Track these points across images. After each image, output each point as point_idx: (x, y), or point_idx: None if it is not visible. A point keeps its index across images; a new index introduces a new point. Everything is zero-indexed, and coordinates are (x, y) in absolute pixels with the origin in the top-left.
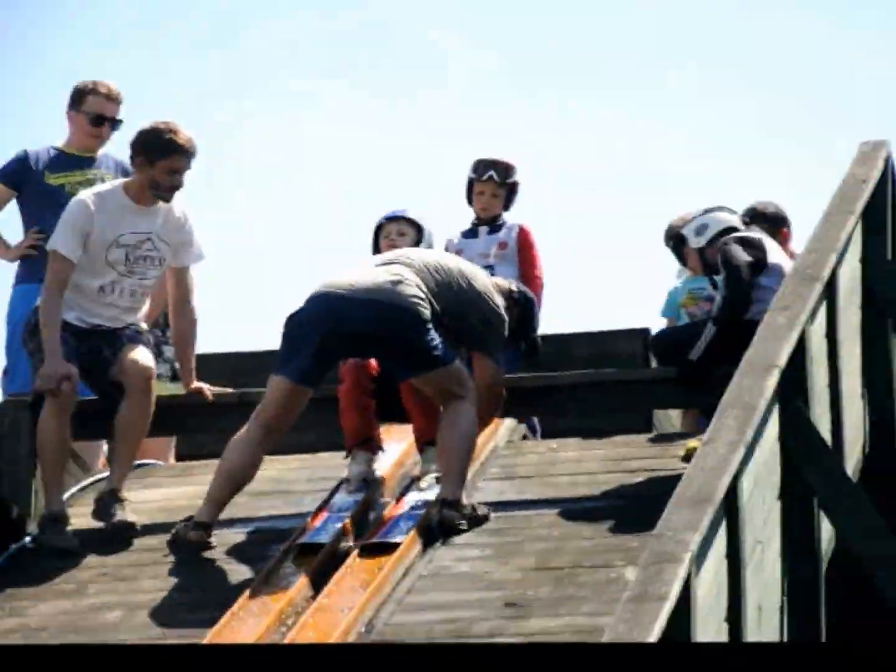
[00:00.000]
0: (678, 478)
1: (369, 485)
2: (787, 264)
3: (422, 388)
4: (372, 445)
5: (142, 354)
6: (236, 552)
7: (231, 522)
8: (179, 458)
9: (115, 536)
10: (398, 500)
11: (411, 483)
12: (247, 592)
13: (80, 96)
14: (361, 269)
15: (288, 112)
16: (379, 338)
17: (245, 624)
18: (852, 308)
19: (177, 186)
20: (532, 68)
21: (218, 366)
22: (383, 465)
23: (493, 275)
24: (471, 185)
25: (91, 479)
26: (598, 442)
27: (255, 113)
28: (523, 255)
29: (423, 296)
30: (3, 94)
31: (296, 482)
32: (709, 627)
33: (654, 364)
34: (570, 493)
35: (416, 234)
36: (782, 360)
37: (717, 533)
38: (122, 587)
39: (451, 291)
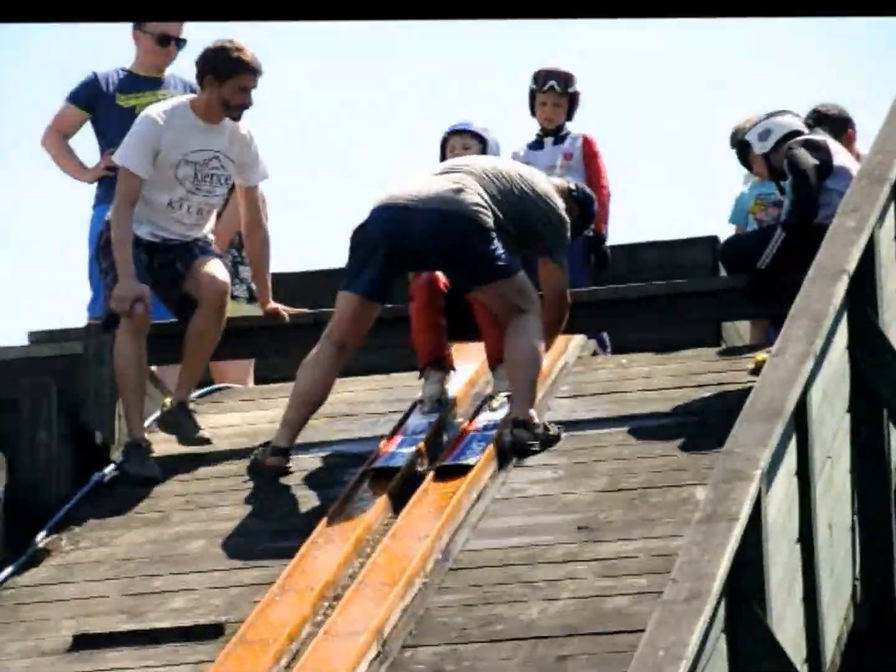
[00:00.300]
0: (748, 392)
1: (442, 405)
2: (853, 166)
3: (486, 302)
4: (445, 365)
5: (218, 269)
6: (313, 477)
7: (307, 447)
8: (257, 381)
9: (187, 453)
10: (471, 420)
11: (483, 403)
12: (324, 520)
13: None
14: (423, 178)
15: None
16: (442, 248)
17: (325, 552)
18: None
19: (247, 105)
20: None
21: (296, 284)
22: (455, 384)
23: None
24: (532, 96)
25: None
26: (668, 356)
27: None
28: (589, 164)
29: (484, 203)
30: None
31: (370, 404)
32: (781, 548)
33: (723, 272)
34: (640, 409)
35: (481, 146)
36: (851, 265)
37: (787, 448)
38: (204, 514)
39: (513, 196)
